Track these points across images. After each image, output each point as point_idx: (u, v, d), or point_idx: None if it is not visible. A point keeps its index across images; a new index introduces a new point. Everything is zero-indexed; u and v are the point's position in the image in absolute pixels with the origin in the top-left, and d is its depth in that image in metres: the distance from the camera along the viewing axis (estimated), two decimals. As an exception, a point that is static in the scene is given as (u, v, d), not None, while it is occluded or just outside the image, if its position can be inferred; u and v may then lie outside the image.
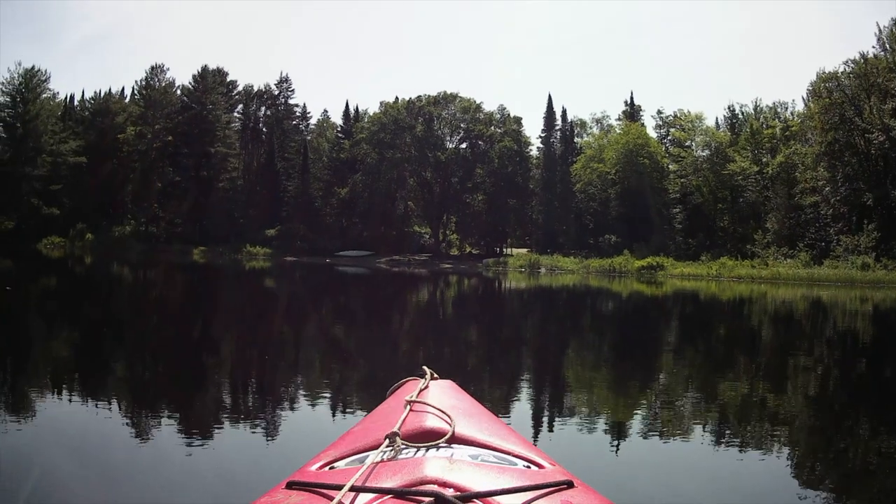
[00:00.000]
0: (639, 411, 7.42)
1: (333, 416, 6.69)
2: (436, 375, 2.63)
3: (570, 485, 1.67)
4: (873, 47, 45.79)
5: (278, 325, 15.52)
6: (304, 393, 7.83)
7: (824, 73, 47.26)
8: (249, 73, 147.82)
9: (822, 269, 40.23)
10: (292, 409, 7.03)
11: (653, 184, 55.25)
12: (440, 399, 2.31)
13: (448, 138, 70.31)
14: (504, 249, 67.00)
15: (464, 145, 69.83)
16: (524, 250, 62.56)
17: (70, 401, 6.91)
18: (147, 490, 4.41)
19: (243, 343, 12.38)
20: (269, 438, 5.82)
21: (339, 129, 74.50)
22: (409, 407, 2.20)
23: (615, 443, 6.03)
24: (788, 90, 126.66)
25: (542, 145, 67.01)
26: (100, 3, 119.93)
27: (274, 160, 71.06)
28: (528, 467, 1.90)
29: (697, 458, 5.56)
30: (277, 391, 7.94)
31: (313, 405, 7.19)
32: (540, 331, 16.65)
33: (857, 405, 8.27)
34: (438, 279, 39.22)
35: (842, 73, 46.15)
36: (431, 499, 1.46)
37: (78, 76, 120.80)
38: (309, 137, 75.41)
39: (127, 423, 6.19)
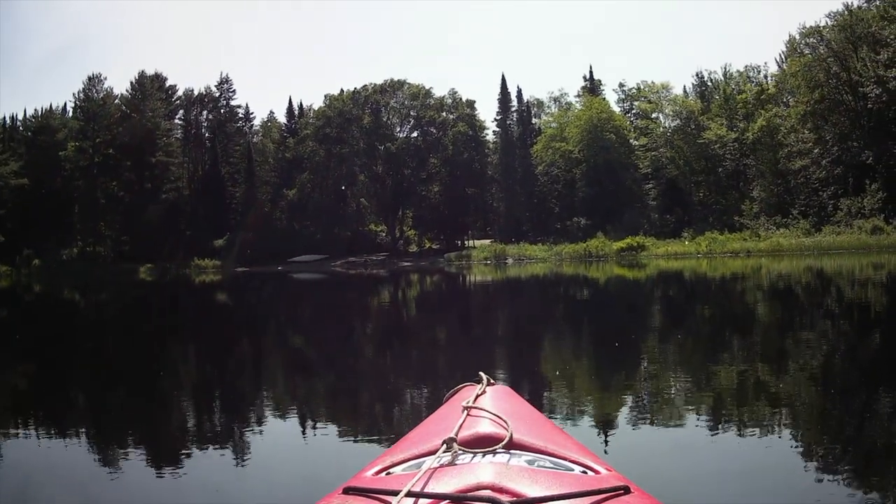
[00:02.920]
0: (699, 414, 6.18)
1: (390, 422, 6.54)
2: (492, 381, 2.57)
3: (626, 490, 1.66)
4: (855, -2, 42.71)
5: (294, 338, 14.75)
6: (360, 400, 7.70)
7: (804, 28, 44.24)
8: (189, 77, 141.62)
9: (826, 236, 36.50)
10: (350, 416, 6.82)
11: (621, 160, 51.30)
12: (497, 404, 2.27)
13: (398, 128, 66.22)
14: (466, 242, 62.51)
15: (415, 134, 65.43)
16: (487, 241, 58.14)
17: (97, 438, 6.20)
18: (202, 497, 4.39)
19: (289, 356, 12.00)
20: (327, 445, 5.69)
21: (283, 127, 69.80)
22: (465, 412, 2.17)
23: (673, 447, 5.30)
24: (759, 54, 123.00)
25: (498, 129, 62.98)
26: (50, 21, 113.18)
27: (218, 166, 66.80)
28: (585, 473, 1.88)
29: (760, 461, 4.80)
30: (334, 400, 7.77)
31: (370, 412, 7.06)
32: (581, 328, 14.40)
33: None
34: (400, 279, 36.14)
35: (824, 26, 43.03)
36: None
37: (28, 97, 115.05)
38: (254, 139, 70.86)
39: (173, 437, 6.07)
